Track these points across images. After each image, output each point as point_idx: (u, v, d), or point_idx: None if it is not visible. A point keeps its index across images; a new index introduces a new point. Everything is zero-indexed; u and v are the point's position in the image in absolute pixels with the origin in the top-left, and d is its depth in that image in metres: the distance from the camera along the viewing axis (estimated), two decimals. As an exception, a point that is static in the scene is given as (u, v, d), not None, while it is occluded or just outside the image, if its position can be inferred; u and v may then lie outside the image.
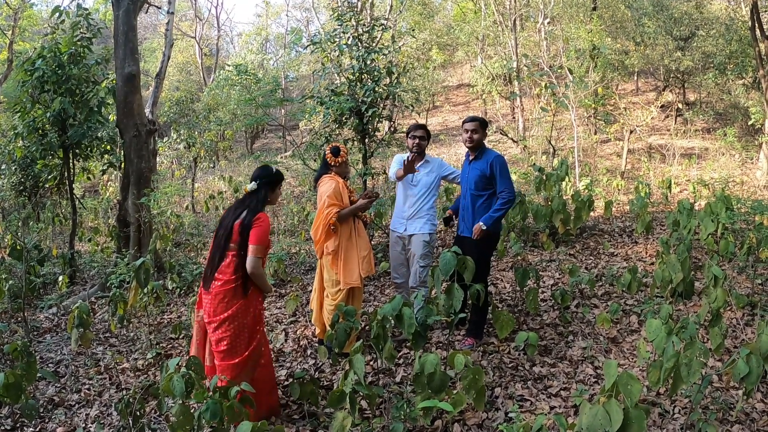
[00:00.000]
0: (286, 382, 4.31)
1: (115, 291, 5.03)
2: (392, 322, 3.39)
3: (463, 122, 4.66)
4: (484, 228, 4.41)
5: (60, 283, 7.47)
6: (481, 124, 4.60)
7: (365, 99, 6.82)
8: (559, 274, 6.46)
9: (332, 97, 6.96)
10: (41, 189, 10.94)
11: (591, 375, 4.13)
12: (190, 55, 24.36)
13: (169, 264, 7.38)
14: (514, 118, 19.01)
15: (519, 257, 6.99)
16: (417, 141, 4.87)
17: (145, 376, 4.83)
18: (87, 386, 4.75)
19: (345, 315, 3.53)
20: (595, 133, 16.18)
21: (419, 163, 4.91)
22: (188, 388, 2.79)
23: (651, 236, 7.83)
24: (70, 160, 8.40)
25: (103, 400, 4.48)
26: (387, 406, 3.78)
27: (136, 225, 7.73)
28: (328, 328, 4.24)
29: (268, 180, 3.73)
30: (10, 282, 6.69)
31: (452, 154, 16.42)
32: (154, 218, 8.59)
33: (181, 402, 2.78)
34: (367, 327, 5.22)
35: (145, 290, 5.46)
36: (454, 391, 3.38)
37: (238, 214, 3.59)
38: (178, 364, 3.03)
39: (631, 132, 13.14)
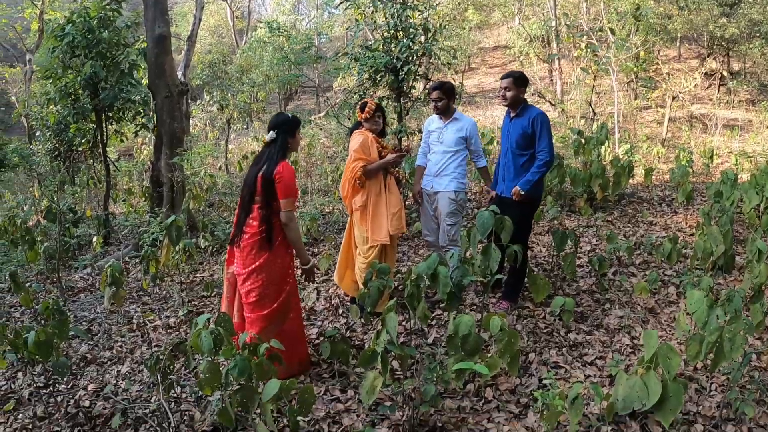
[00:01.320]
0: (317, 341, 4.29)
1: (147, 249, 5.05)
2: (426, 281, 3.30)
3: (501, 78, 4.49)
4: (522, 193, 4.29)
5: (94, 244, 7.58)
6: (515, 81, 4.36)
7: (400, 56, 6.64)
8: (597, 241, 6.29)
9: (367, 54, 6.79)
10: (75, 153, 11.05)
11: (627, 345, 4.01)
12: (221, 17, 24.20)
13: (203, 223, 7.42)
14: (552, 81, 18.49)
15: (556, 221, 6.82)
16: (433, 104, 4.73)
17: (177, 333, 4.88)
18: (119, 344, 4.80)
19: (378, 273, 3.46)
20: (635, 99, 15.63)
21: (447, 121, 4.75)
22: (217, 345, 2.77)
23: (691, 207, 7.56)
24: (103, 123, 8.47)
25: (134, 357, 4.52)
26: (419, 367, 3.73)
27: (169, 185, 7.78)
28: (361, 286, 4.20)
29: (287, 126, 3.61)
30: (45, 244, 6.81)
31: (488, 117, 16.05)
32: (187, 178, 8.63)
33: (209, 359, 2.76)
34: (400, 287, 5.17)
35: (177, 248, 5.50)
36: (488, 355, 3.30)
37: (260, 167, 3.52)
38: (207, 320, 3.01)
39: (674, 98, 12.63)
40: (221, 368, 2.85)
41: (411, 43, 6.63)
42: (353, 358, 3.84)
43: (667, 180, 9.30)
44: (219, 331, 2.80)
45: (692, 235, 6.41)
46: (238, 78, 15.65)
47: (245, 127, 18.19)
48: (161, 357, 3.39)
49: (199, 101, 15.70)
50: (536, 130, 4.29)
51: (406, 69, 6.60)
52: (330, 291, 5.36)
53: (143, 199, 8.41)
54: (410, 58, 6.69)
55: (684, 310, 4.51)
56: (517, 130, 4.38)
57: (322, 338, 4.18)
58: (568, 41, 15.25)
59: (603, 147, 7.96)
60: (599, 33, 13.77)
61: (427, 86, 7.49)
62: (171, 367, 3.33)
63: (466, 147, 4.78)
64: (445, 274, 3.19)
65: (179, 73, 13.56)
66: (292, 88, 21.79)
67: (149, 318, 5.18)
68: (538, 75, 18.71)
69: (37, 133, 12.13)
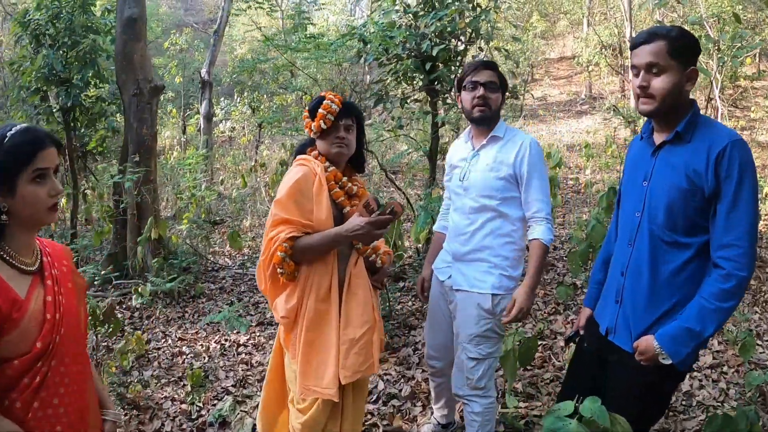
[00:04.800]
0: None
1: None
2: None
3: (632, 46, 1.79)
4: (663, 355, 1.71)
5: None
6: (673, 47, 1.69)
7: (427, 30, 4.26)
8: (720, 344, 3.80)
9: (381, 25, 4.50)
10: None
11: None
12: (273, 18, 22.43)
13: (162, 260, 5.40)
14: (624, 95, 15.71)
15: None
16: (481, 92, 2.32)
17: None
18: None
19: None
20: (719, 118, 12.68)
21: (482, 142, 2.40)
22: None
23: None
24: (71, 126, 6.68)
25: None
26: None
27: (133, 206, 5.80)
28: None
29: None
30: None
31: (552, 133, 13.35)
32: (179, 194, 6.75)
33: None
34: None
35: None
36: None
37: None
38: None
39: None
40: None
41: (444, 14, 4.18)
42: None
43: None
44: None
45: None
46: (275, 79, 13.71)
47: (283, 132, 16.25)
48: None
49: (228, 101, 13.94)
50: (721, 182, 1.66)
51: (437, 51, 4.18)
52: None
53: (103, 220, 6.47)
54: (444, 34, 4.30)
55: None
56: (672, 180, 1.75)
57: None
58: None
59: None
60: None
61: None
62: None
63: (518, 195, 2.35)
64: None
65: (203, 70, 11.75)
66: (343, 93, 19.72)
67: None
68: (608, 88, 16.03)
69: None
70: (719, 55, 7.67)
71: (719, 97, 8.54)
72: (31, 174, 1.35)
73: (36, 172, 1.36)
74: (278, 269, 2.04)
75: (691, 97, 1.80)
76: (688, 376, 3.17)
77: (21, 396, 1.35)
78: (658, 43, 1.69)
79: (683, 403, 2.97)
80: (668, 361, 1.69)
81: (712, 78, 7.88)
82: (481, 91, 2.32)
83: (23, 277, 1.39)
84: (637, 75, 1.74)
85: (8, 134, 1.36)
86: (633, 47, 1.76)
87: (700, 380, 3.17)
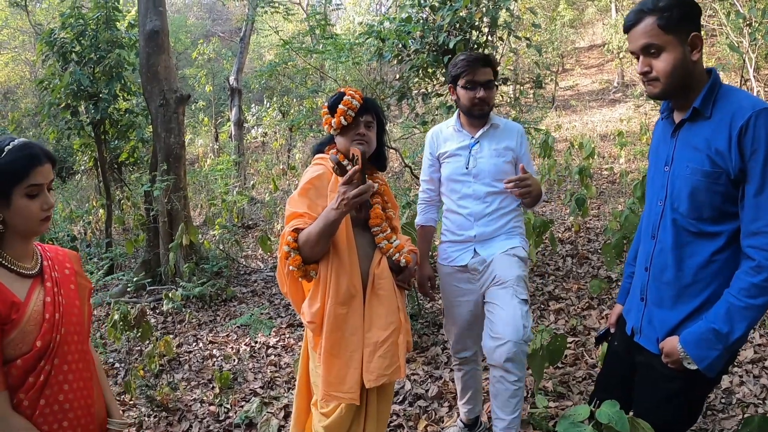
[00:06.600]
0: None
1: None
2: None
3: (625, 30, 1.59)
4: (688, 359, 1.52)
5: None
6: (664, 23, 1.49)
7: (442, 22, 4.18)
8: (762, 337, 3.58)
9: (397, 28, 4.46)
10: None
11: None
12: (299, 22, 22.57)
13: (191, 267, 5.46)
14: (657, 81, 15.21)
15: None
16: (482, 93, 2.37)
17: None
18: None
19: None
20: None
21: (481, 130, 2.46)
22: None
23: None
24: (101, 139, 6.83)
25: None
26: None
27: (164, 213, 5.88)
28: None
29: None
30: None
31: (585, 123, 13.03)
32: (211, 201, 6.79)
33: None
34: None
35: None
36: None
37: None
38: None
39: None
40: None
41: (459, 5, 4.08)
42: None
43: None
44: None
45: None
46: (303, 82, 13.80)
47: (314, 136, 16.34)
48: None
49: (259, 107, 14.06)
50: (747, 161, 1.45)
51: (453, 43, 4.10)
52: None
53: (136, 228, 6.60)
54: (464, 27, 4.22)
55: None
56: (694, 163, 1.55)
57: None
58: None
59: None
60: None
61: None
62: None
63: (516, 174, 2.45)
64: None
65: (231, 77, 11.88)
66: (374, 94, 19.62)
67: None
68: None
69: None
70: (750, 31, 7.17)
71: (754, 77, 8.01)
72: (25, 189, 1.42)
73: (30, 188, 1.43)
74: (291, 267, 1.99)
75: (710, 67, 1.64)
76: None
77: (27, 395, 1.44)
78: (647, 20, 1.52)
79: (722, 401, 2.79)
80: (694, 367, 1.51)
81: (744, 56, 7.42)
82: (481, 92, 2.38)
83: (23, 280, 1.47)
84: (638, 59, 1.58)
85: (6, 149, 1.42)
86: (626, 31, 1.60)
87: (741, 376, 2.98)
